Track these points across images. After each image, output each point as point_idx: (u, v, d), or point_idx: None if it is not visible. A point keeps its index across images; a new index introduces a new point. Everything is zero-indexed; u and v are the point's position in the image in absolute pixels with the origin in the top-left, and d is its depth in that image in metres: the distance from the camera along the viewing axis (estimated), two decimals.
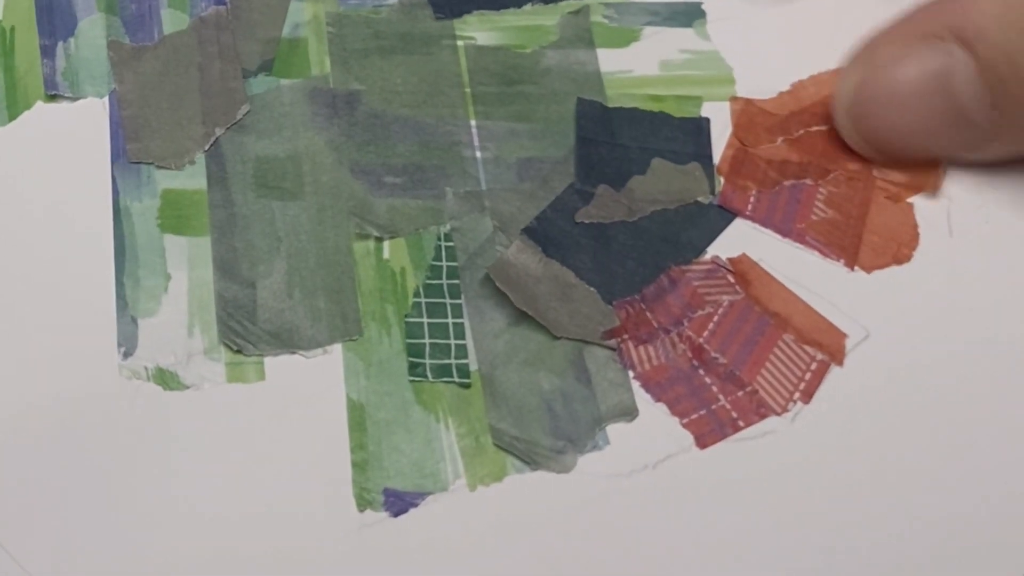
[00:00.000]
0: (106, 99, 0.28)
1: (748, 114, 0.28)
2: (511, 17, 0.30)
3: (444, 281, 0.26)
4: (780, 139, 0.28)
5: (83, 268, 0.26)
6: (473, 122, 0.28)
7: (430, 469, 0.25)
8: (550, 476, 0.25)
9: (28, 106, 0.28)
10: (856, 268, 0.27)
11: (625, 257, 0.27)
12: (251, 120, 0.28)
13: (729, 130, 0.28)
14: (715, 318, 0.26)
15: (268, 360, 0.26)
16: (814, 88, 0.29)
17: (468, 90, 0.29)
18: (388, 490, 0.24)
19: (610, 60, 0.29)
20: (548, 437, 0.25)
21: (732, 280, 0.26)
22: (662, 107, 0.29)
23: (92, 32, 0.29)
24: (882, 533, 0.24)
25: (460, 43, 0.29)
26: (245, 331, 0.26)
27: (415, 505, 0.24)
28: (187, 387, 0.25)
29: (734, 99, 0.29)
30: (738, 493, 0.24)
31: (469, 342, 0.26)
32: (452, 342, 0.26)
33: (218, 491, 0.24)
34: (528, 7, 0.30)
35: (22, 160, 0.28)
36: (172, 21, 0.29)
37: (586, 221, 0.27)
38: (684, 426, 0.25)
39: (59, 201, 0.27)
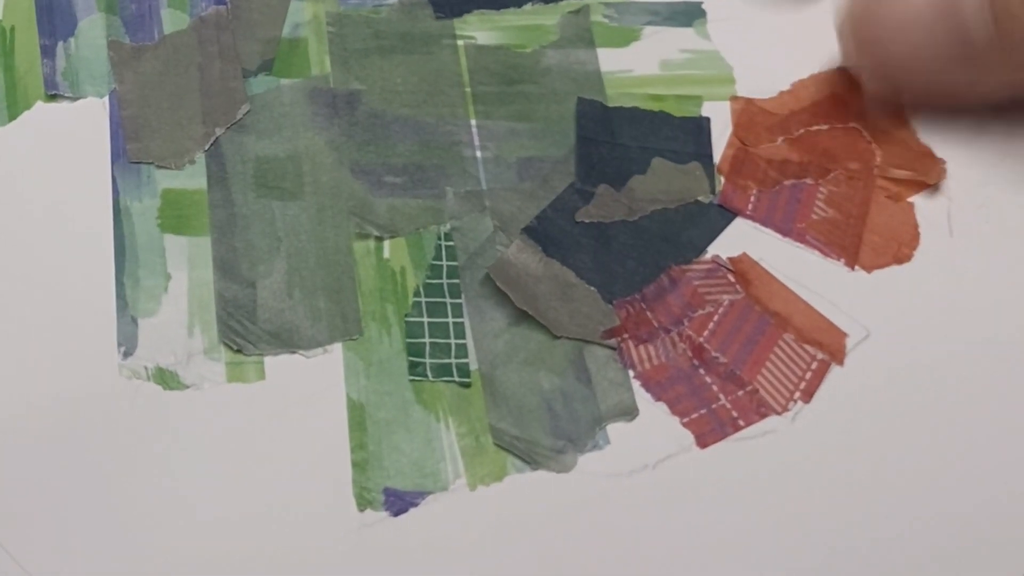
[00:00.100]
0: (106, 99, 0.28)
1: (748, 113, 0.28)
2: (511, 17, 0.30)
3: (444, 281, 0.26)
4: (780, 138, 0.28)
5: (83, 268, 0.26)
6: (473, 122, 0.28)
7: (430, 469, 0.25)
8: (550, 476, 0.25)
9: (28, 106, 0.28)
10: (856, 268, 0.27)
11: (625, 256, 0.27)
12: (251, 120, 0.28)
13: (729, 129, 0.28)
14: (715, 317, 0.26)
15: (268, 360, 0.26)
16: (814, 87, 0.29)
17: (468, 90, 0.29)
18: (388, 490, 0.24)
19: (610, 60, 0.29)
20: (548, 437, 0.25)
21: (732, 279, 0.26)
22: (662, 107, 0.29)
23: (92, 32, 0.29)
24: (882, 533, 0.24)
25: (460, 43, 0.29)
26: (245, 331, 0.26)
27: (415, 505, 0.24)
28: (187, 387, 0.25)
29: (734, 98, 0.29)
30: (738, 493, 0.24)
31: (469, 342, 0.26)
32: (452, 341, 0.26)
33: (218, 491, 0.24)
34: (528, 7, 0.30)
35: (22, 160, 0.28)
36: (172, 21, 0.29)
37: (586, 220, 0.27)
38: (684, 425, 0.25)
39: (59, 201, 0.27)
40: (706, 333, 0.26)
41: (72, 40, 0.29)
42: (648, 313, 0.26)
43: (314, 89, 0.29)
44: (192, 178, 0.28)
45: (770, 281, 0.26)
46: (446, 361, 0.26)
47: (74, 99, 0.28)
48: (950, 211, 0.27)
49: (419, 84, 0.29)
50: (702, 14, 0.30)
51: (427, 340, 0.26)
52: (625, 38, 0.30)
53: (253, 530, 0.24)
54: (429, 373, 0.26)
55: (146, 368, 0.25)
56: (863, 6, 0.26)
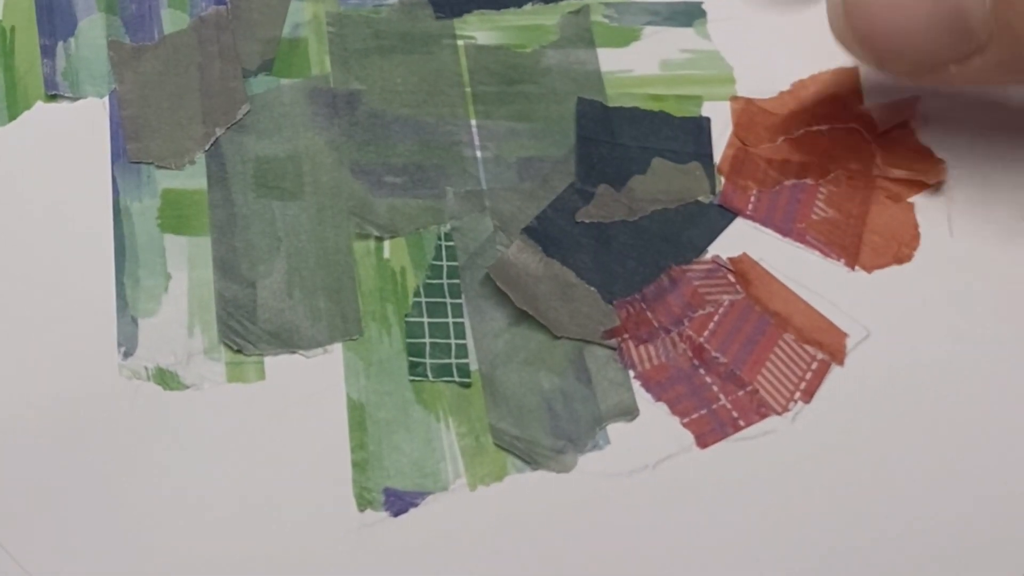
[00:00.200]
0: (106, 99, 0.28)
1: (748, 113, 0.28)
2: (511, 16, 0.30)
3: (444, 281, 0.26)
4: (780, 138, 0.28)
5: (83, 268, 0.26)
6: (473, 121, 0.28)
7: (430, 469, 0.25)
8: (550, 476, 0.25)
9: (28, 106, 0.28)
10: (857, 268, 0.27)
11: (625, 256, 0.27)
12: (251, 120, 0.28)
13: (729, 129, 0.28)
14: (715, 317, 0.26)
15: (268, 360, 0.26)
16: (815, 87, 0.29)
17: (468, 89, 0.29)
18: (388, 490, 0.24)
19: (610, 60, 0.29)
20: (548, 437, 0.25)
21: (732, 280, 0.26)
22: (662, 106, 0.29)
23: (92, 32, 0.29)
24: (882, 533, 0.24)
25: (460, 43, 0.29)
26: (245, 331, 0.26)
27: (415, 505, 0.24)
28: (187, 387, 0.25)
29: (734, 98, 0.29)
30: (738, 493, 0.24)
31: (469, 342, 0.26)
32: (452, 342, 0.26)
33: (218, 491, 0.24)
34: (528, 6, 0.30)
35: (22, 160, 0.28)
36: (172, 21, 0.29)
37: (586, 220, 0.27)
38: (684, 426, 0.25)
39: (59, 201, 0.27)
40: (706, 333, 0.26)
41: (72, 40, 0.29)
42: (648, 313, 0.26)
43: (314, 89, 0.29)
44: (192, 178, 0.28)
45: (770, 281, 0.26)
46: (446, 361, 0.26)
47: (74, 99, 0.28)
48: (950, 211, 0.27)
49: (419, 84, 0.29)
50: (702, 14, 0.30)
51: (427, 340, 0.26)
52: (625, 38, 0.30)
53: (253, 530, 0.24)
54: (429, 373, 0.26)
55: (146, 368, 0.25)
56: None
